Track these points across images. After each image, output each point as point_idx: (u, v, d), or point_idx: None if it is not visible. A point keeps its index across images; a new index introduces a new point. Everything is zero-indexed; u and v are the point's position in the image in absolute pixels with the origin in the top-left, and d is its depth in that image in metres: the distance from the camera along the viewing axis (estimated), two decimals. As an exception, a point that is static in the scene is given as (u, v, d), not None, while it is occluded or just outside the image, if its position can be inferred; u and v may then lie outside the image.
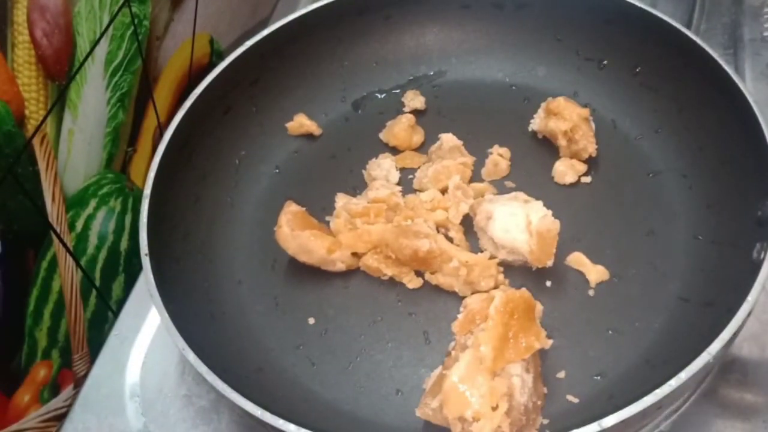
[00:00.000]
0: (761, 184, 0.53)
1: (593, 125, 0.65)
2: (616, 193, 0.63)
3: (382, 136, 0.69)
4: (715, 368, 0.55)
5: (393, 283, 0.59)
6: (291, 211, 0.59)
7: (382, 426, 0.52)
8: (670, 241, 0.59)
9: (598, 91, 0.69)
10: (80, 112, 0.59)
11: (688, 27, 0.79)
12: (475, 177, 0.65)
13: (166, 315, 0.50)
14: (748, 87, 0.57)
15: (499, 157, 0.66)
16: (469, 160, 0.65)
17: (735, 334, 0.45)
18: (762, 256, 0.48)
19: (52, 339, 0.59)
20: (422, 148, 0.69)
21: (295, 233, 0.58)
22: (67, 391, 0.62)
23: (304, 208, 0.60)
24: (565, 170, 0.64)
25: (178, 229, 0.59)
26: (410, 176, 0.66)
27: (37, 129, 0.54)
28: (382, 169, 0.65)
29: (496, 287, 0.56)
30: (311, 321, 0.58)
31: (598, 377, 0.52)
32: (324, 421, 0.51)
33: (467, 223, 0.61)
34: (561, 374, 0.53)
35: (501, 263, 0.58)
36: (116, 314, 0.65)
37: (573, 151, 0.64)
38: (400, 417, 0.52)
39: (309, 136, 0.70)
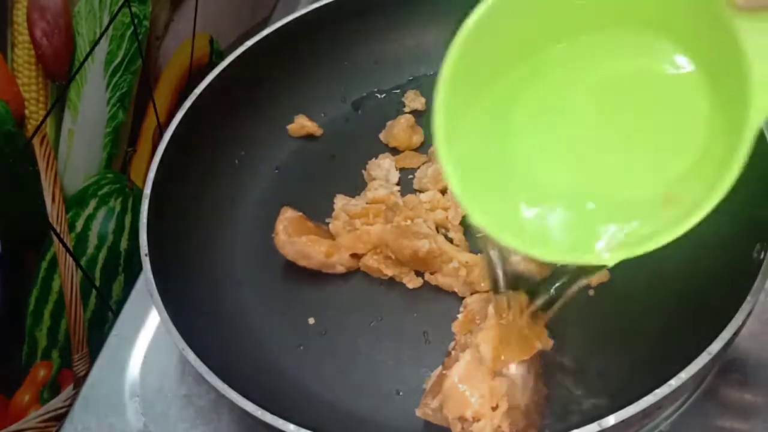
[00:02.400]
0: (761, 184, 0.53)
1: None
2: (616, 193, 0.63)
3: (382, 136, 0.69)
4: (715, 368, 0.55)
5: (393, 283, 0.59)
6: (287, 217, 0.59)
7: (382, 426, 0.52)
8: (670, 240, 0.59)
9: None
10: (80, 112, 0.59)
11: (688, 27, 0.79)
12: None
13: (166, 315, 0.50)
14: (748, 87, 0.57)
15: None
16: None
17: (735, 334, 0.45)
18: (762, 256, 0.48)
19: (52, 339, 0.59)
20: (422, 149, 0.69)
21: (293, 239, 0.58)
22: (67, 391, 0.62)
23: (300, 213, 0.60)
24: (565, 170, 0.64)
25: (178, 229, 0.59)
26: (410, 176, 0.66)
27: (37, 129, 0.54)
28: (382, 170, 0.65)
29: (496, 287, 0.56)
30: (311, 321, 0.58)
31: (598, 377, 0.52)
32: (324, 421, 0.51)
33: (467, 223, 0.61)
34: (561, 374, 0.53)
35: (501, 263, 0.58)
36: (116, 314, 0.65)
37: (573, 151, 0.64)
38: (400, 417, 0.52)
39: (309, 137, 0.70)
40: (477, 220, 0.40)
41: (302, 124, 0.70)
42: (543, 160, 0.42)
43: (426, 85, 0.73)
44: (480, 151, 0.42)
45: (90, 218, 0.62)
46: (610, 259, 0.38)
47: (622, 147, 0.41)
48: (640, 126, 0.40)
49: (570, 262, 0.41)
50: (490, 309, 0.50)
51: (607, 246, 0.39)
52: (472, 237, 0.60)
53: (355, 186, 0.66)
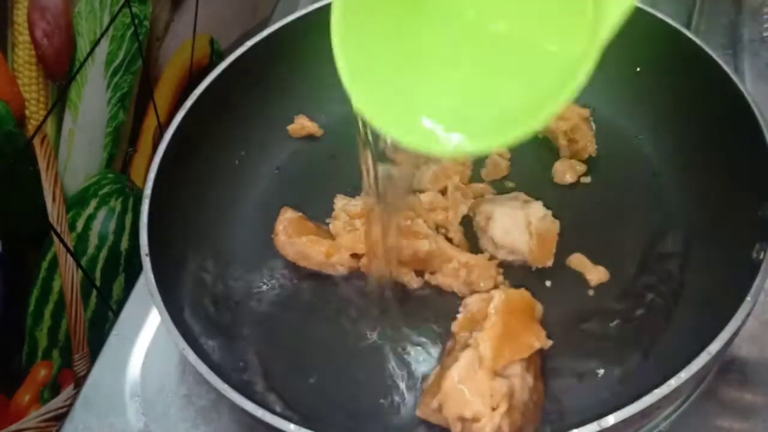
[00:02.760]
0: (761, 184, 0.53)
1: (593, 125, 0.65)
2: (616, 193, 0.63)
3: (382, 136, 0.69)
4: (715, 368, 0.55)
5: (393, 282, 0.59)
6: (287, 218, 0.59)
7: (382, 426, 0.52)
8: (670, 241, 0.59)
9: (598, 91, 0.69)
10: (81, 112, 0.59)
11: (688, 27, 0.79)
12: (475, 177, 0.65)
13: (167, 315, 0.50)
14: (747, 87, 0.57)
15: (498, 157, 0.66)
16: (469, 160, 0.65)
17: (735, 334, 0.45)
18: (762, 256, 0.48)
19: (52, 339, 0.59)
20: (422, 149, 0.68)
21: (293, 240, 0.58)
22: (67, 391, 0.62)
23: (300, 213, 0.60)
24: (565, 170, 0.64)
25: (178, 229, 0.59)
26: (410, 176, 0.66)
27: (38, 129, 0.54)
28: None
29: (495, 287, 0.56)
30: (312, 321, 0.58)
31: (598, 377, 0.52)
32: (323, 420, 0.52)
33: (467, 223, 0.61)
34: (561, 374, 0.53)
35: (501, 263, 0.58)
36: (117, 314, 0.65)
37: (573, 151, 0.65)
38: (400, 416, 0.52)
39: (309, 137, 0.71)
40: (358, 103, 0.43)
41: (302, 125, 0.70)
42: (427, 58, 0.44)
43: (426, 86, 0.73)
44: (371, 41, 0.46)
45: (90, 218, 0.62)
46: (469, 151, 0.43)
47: (500, 48, 0.43)
48: (518, 29, 0.43)
49: (430, 151, 0.43)
50: (491, 309, 0.50)
51: (465, 138, 0.41)
52: (471, 237, 0.60)
53: (356, 186, 0.66)
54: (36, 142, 0.54)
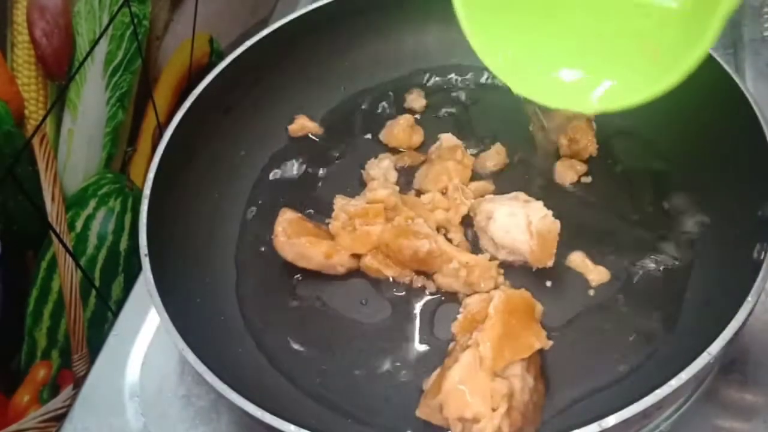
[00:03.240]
0: (761, 184, 0.53)
1: (594, 125, 0.65)
2: (616, 193, 0.63)
3: (382, 136, 0.69)
4: (715, 368, 0.55)
5: (393, 283, 0.59)
6: (286, 219, 0.59)
7: (381, 426, 0.52)
8: (670, 241, 0.59)
9: (598, 91, 0.69)
10: (80, 112, 0.59)
11: (688, 27, 0.79)
12: (475, 177, 0.65)
13: (166, 315, 0.50)
14: (748, 87, 0.57)
15: (499, 156, 0.65)
16: (469, 160, 0.65)
17: (735, 334, 0.45)
18: (762, 256, 0.48)
19: (51, 339, 0.59)
20: (422, 148, 0.69)
21: (292, 241, 0.58)
22: (66, 392, 0.62)
23: (299, 214, 0.60)
24: (565, 170, 0.64)
25: (177, 229, 0.59)
26: (410, 177, 0.66)
27: (37, 129, 0.54)
28: (381, 169, 0.65)
29: (496, 288, 0.56)
30: (311, 321, 0.58)
31: (599, 377, 0.52)
32: (323, 421, 0.51)
33: (467, 223, 0.61)
34: (561, 374, 0.53)
35: (501, 263, 0.58)
36: (116, 314, 0.65)
37: (573, 151, 0.64)
38: (400, 417, 0.52)
39: (309, 137, 0.70)
40: (514, 87, 0.52)
41: (303, 124, 0.70)
42: (554, 26, 0.51)
43: (426, 85, 0.73)
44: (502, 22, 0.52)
45: (89, 218, 0.62)
46: (602, 109, 0.50)
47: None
48: None
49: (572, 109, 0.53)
50: (490, 309, 0.50)
51: (598, 98, 0.49)
52: (472, 237, 0.60)
53: (355, 186, 0.66)
54: (35, 141, 0.54)
